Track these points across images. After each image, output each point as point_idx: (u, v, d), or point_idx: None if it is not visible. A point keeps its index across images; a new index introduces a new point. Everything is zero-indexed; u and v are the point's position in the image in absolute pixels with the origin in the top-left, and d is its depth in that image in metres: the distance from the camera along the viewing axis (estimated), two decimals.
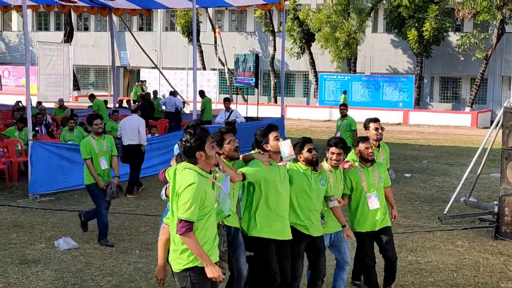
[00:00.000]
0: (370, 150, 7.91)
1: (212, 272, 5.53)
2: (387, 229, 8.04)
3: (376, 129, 8.29)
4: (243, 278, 7.07)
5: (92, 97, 24.58)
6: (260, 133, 7.08)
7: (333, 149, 7.65)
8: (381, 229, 7.98)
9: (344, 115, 17.24)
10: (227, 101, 21.95)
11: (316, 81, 44.38)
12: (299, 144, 7.38)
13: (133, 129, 15.24)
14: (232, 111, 21.45)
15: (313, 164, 7.34)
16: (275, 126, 7.19)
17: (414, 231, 12.06)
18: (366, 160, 7.95)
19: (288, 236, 7.06)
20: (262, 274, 6.97)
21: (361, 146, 7.96)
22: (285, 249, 7.13)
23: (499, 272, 10.01)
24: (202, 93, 24.15)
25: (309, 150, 7.31)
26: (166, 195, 6.43)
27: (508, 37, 40.92)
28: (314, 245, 7.43)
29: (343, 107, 17.64)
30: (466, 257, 10.77)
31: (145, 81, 40.63)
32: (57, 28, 54.31)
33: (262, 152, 7.05)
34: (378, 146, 8.44)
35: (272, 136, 6.99)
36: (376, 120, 8.54)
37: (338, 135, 16.77)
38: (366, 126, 8.51)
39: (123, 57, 51.19)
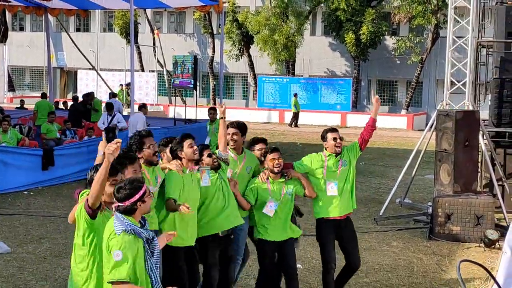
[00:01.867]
0: (276, 161, 7.78)
1: None
2: (289, 241, 8.03)
3: (335, 139, 8.07)
4: None
5: (43, 96, 24.28)
6: (176, 141, 7.31)
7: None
8: (284, 241, 7.98)
9: (213, 120, 17.18)
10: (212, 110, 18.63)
11: (255, 83, 44.45)
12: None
13: (134, 125, 17.05)
14: (115, 115, 19.67)
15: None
16: (189, 134, 7.41)
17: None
18: (272, 172, 7.86)
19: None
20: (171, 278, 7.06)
21: (268, 157, 7.83)
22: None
23: (433, 272, 10.18)
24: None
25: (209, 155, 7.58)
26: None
27: (442, 41, 41.48)
28: None
29: (212, 111, 17.60)
30: (401, 258, 10.92)
31: (129, 83, 40.18)
32: None
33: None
34: (337, 156, 8.18)
35: (186, 144, 7.19)
36: (334, 130, 8.24)
37: (207, 141, 16.74)
38: (323, 137, 8.18)
39: (60, 58, 50.39)
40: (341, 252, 8.36)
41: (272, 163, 7.75)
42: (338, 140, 8.06)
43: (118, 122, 19.19)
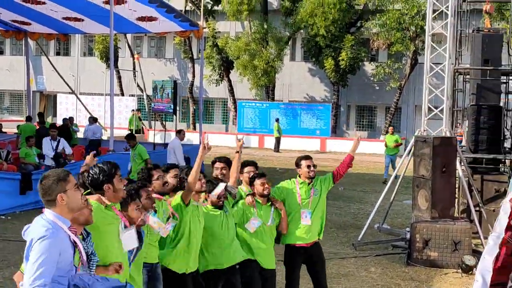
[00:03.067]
0: (266, 186, 7.86)
1: None
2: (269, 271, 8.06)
3: (308, 166, 8.18)
4: None
5: (28, 119, 24.27)
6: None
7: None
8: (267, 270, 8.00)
9: (133, 146, 16.78)
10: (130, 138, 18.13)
11: (235, 108, 44.51)
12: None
13: (170, 151, 17.71)
14: (59, 139, 18.62)
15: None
16: (174, 165, 7.67)
17: (329, 258, 12.11)
18: (262, 196, 7.91)
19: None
20: None
21: (257, 182, 7.91)
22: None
23: None
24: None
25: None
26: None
27: (420, 67, 41.49)
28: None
29: (131, 139, 17.24)
30: (379, 284, 10.92)
31: (140, 109, 40.15)
32: None
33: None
34: (309, 184, 8.27)
35: (172, 173, 7.38)
36: (307, 157, 8.37)
37: (129, 167, 16.63)
38: (297, 164, 8.27)
39: (40, 82, 50.26)
40: (309, 276, 8.45)
41: (262, 187, 7.81)
42: (312, 168, 8.23)
43: (64, 147, 18.62)
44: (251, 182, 7.96)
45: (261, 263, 7.86)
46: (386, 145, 25.00)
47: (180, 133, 18.97)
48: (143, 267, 6.61)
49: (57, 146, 18.10)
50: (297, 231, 8.17)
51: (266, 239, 7.92)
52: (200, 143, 7.72)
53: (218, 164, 8.21)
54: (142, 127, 39.22)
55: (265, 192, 7.86)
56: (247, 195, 7.89)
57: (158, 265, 7.06)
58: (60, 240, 4.44)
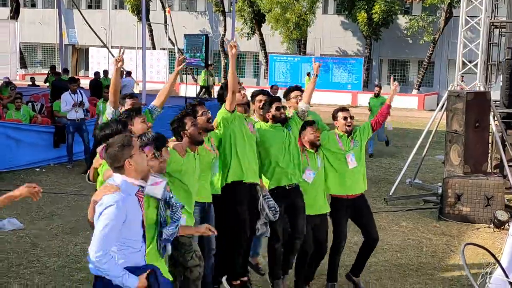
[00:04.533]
0: (317, 134, 7.85)
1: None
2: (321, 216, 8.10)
3: (345, 118, 8.05)
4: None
5: (65, 71, 24.50)
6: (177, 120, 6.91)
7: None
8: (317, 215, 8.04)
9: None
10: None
11: (266, 62, 44.38)
12: (267, 102, 7.74)
13: None
14: (80, 92, 16.51)
15: (281, 121, 7.65)
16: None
17: None
18: (314, 145, 7.87)
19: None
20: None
21: (309, 129, 7.85)
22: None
23: (442, 252, 10.22)
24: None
25: (277, 108, 7.57)
26: (89, 179, 6.16)
27: (455, 21, 41.25)
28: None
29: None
30: (410, 238, 10.97)
31: (213, 64, 40.28)
32: (3, 4, 53.11)
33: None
34: (348, 136, 8.19)
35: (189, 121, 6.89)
36: (344, 109, 8.21)
37: (100, 120, 15.88)
38: (334, 116, 8.14)
39: (71, 35, 50.45)
40: (359, 228, 8.39)
41: (313, 136, 7.81)
42: (349, 119, 8.06)
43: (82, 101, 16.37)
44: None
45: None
46: (370, 110, 19.92)
47: (272, 88, 19.42)
48: (195, 206, 6.65)
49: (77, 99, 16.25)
50: (344, 180, 8.04)
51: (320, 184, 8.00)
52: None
53: (260, 97, 8.10)
54: (214, 83, 39.21)
55: (317, 143, 7.84)
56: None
57: (211, 205, 7.07)
58: (128, 205, 4.59)
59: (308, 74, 38.06)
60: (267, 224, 7.49)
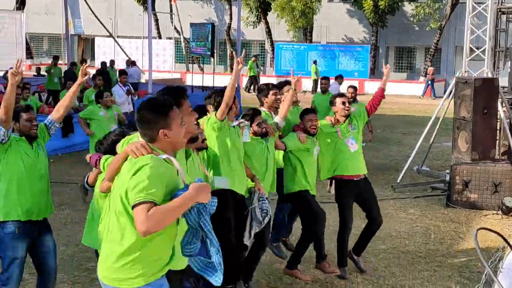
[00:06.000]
0: (314, 123, 8.10)
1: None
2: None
3: (343, 103, 8.22)
4: None
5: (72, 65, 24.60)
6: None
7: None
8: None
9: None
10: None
11: (272, 50, 44.33)
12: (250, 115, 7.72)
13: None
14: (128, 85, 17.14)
15: (261, 135, 7.67)
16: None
17: None
18: (308, 133, 8.08)
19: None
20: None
21: (306, 117, 8.15)
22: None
23: (450, 239, 10.23)
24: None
25: (258, 124, 7.61)
26: (88, 183, 5.99)
27: (461, 7, 41.02)
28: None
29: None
30: (418, 225, 10.98)
31: (258, 55, 40.23)
32: None
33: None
34: (347, 118, 8.35)
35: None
36: (342, 95, 8.50)
37: None
38: (332, 102, 8.40)
39: (77, 25, 50.41)
40: (363, 211, 8.58)
41: (309, 124, 8.06)
42: (347, 104, 8.31)
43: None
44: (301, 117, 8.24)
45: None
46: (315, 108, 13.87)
47: (340, 78, 20.30)
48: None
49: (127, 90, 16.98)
50: (345, 163, 8.23)
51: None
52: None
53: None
54: (258, 73, 39.23)
55: (312, 132, 8.07)
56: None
57: None
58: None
59: (315, 62, 38.04)
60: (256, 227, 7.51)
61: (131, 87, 17.35)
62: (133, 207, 3.89)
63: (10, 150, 6.19)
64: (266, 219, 7.33)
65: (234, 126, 7.27)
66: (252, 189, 7.35)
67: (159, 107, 4.22)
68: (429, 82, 37.43)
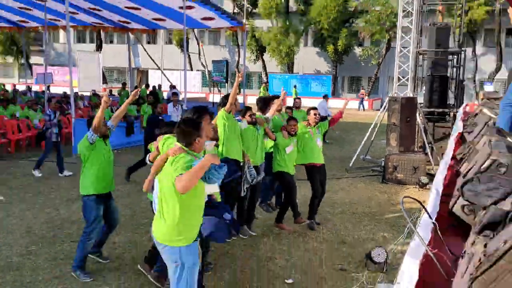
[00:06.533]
0: (294, 128, 8.09)
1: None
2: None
3: (315, 114, 8.42)
4: None
5: (148, 86, 24.47)
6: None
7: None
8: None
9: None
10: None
11: (267, 78, 44.30)
12: (244, 109, 7.90)
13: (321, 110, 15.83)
14: (180, 105, 16.81)
15: (253, 123, 7.73)
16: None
17: (329, 178, 12.24)
18: (290, 134, 8.10)
19: None
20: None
21: (291, 123, 8.14)
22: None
23: (385, 204, 10.24)
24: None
25: (250, 116, 7.74)
26: (149, 160, 5.72)
27: (393, 50, 40.92)
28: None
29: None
30: (363, 195, 10.99)
31: (267, 82, 39.66)
32: (91, 41, 52.98)
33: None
34: (316, 125, 8.47)
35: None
36: (315, 108, 8.71)
37: None
38: (308, 112, 8.61)
39: (137, 62, 50.27)
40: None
41: (289, 127, 8.08)
42: (317, 115, 8.44)
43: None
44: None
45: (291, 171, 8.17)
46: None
47: (326, 97, 19.25)
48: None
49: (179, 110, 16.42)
50: (313, 155, 8.29)
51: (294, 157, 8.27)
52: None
53: (314, 111, 8.53)
54: (265, 94, 38.85)
55: (293, 131, 8.08)
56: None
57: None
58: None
59: (295, 86, 37.97)
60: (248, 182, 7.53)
61: (179, 96, 17.80)
62: (175, 179, 3.96)
63: (95, 147, 6.20)
64: (255, 181, 7.48)
65: (236, 119, 7.51)
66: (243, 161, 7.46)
67: (195, 124, 4.34)
68: (361, 100, 37.43)
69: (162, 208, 4.24)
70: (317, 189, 8.31)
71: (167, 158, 4.32)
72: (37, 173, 11.97)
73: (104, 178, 6.28)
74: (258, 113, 8.17)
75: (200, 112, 5.25)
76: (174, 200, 4.14)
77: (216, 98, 26.20)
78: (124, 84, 25.74)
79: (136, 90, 6.65)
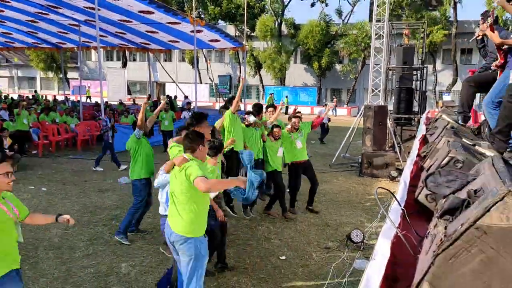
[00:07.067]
0: (278, 133, 8.03)
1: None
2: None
3: (294, 123, 8.33)
4: None
5: (169, 98, 24.28)
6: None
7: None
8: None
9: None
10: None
11: (263, 90, 44.26)
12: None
13: None
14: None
15: (249, 126, 7.88)
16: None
17: (315, 172, 12.26)
18: (274, 138, 8.05)
19: None
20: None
21: (276, 130, 8.06)
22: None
23: (361, 194, 10.22)
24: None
25: (244, 120, 7.94)
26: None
27: (367, 67, 41.10)
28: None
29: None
30: (344, 186, 10.98)
31: (273, 93, 39.17)
32: (118, 59, 52.79)
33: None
34: (297, 129, 8.38)
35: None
36: (296, 116, 8.55)
37: None
38: (290, 118, 8.48)
39: (155, 76, 50.13)
40: (308, 178, 8.45)
41: (277, 133, 8.02)
42: (298, 122, 8.33)
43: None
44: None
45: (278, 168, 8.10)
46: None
47: (325, 105, 18.59)
48: None
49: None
50: (295, 154, 8.22)
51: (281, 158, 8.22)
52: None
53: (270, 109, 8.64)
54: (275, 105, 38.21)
55: (277, 137, 8.02)
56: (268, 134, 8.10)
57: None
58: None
59: (286, 96, 37.94)
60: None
61: (190, 104, 17.94)
62: (193, 181, 3.89)
63: (141, 142, 6.51)
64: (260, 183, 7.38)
65: (239, 118, 7.72)
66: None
67: (199, 134, 4.32)
68: (334, 107, 37.14)
69: (176, 208, 4.17)
70: (297, 183, 8.26)
71: (174, 164, 4.25)
72: (98, 169, 11.94)
73: (148, 165, 6.55)
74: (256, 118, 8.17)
75: (200, 117, 5.33)
76: (187, 200, 4.08)
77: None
78: (149, 96, 25.64)
79: (164, 101, 7.00)
